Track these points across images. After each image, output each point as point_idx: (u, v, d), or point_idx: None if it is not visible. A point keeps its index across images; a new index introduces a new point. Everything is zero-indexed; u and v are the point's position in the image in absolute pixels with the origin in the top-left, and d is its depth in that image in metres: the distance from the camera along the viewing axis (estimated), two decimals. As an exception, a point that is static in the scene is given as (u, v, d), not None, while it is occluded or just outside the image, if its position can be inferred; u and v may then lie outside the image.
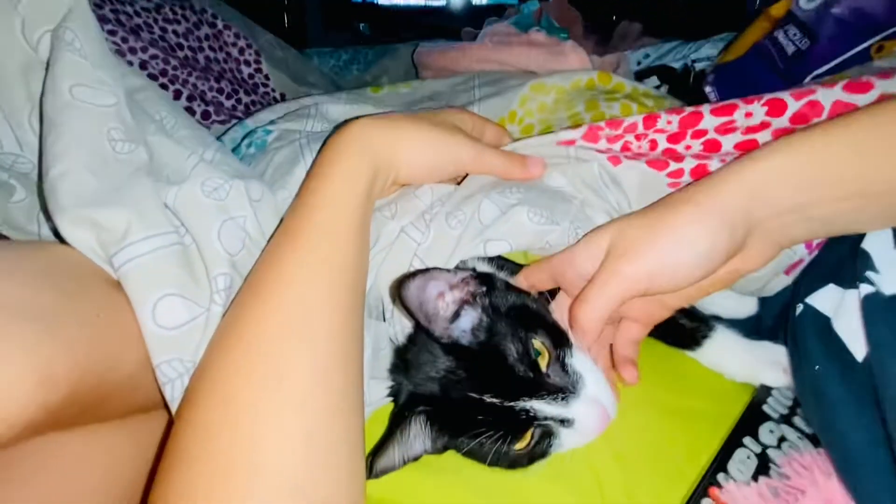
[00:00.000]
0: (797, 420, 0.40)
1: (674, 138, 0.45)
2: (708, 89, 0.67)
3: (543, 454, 0.37)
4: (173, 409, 0.31)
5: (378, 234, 0.43)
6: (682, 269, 0.32)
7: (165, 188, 0.35)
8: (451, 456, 0.38)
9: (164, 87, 0.80)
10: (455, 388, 0.36)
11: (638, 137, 0.45)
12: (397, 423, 0.36)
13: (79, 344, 0.29)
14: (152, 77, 0.79)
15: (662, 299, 0.39)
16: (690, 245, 0.32)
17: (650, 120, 0.45)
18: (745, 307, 0.50)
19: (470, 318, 0.38)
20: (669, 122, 0.44)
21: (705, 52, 0.81)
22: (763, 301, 0.49)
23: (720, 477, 0.34)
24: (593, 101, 0.64)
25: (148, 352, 0.31)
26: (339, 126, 0.42)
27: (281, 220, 0.37)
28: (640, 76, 0.88)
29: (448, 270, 0.38)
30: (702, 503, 0.32)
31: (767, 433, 0.38)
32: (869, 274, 0.31)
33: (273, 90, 1.00)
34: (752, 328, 0.48)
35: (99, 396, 0.31)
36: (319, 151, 0.41)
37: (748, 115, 0.42)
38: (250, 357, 0.29)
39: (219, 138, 0.66)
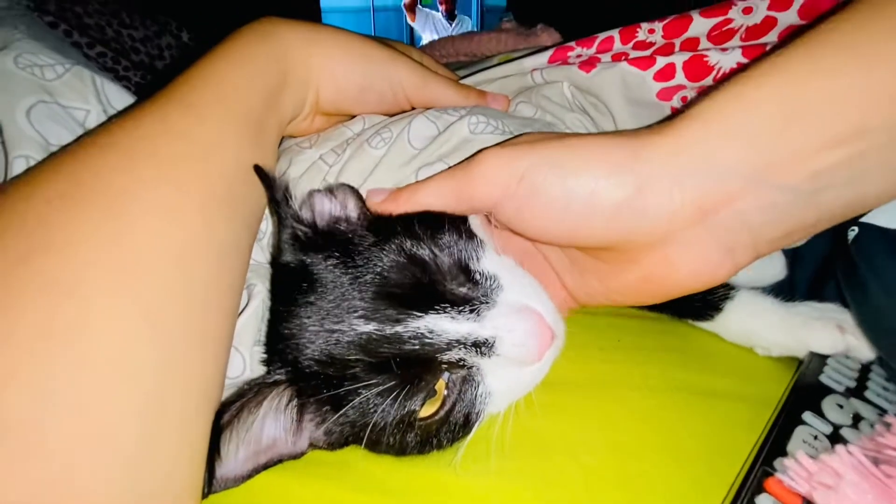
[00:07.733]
0: (871, 394, 0.28)
1: (661, 52, 0.37)
2: None
3: (467, 422, 0.25)
4: None
5: (290, 162, 0.34)
6: (540, 203, 0.24)
7: None
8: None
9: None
10: (320, 322, 0.24)
11: (615, 58, 0.37)
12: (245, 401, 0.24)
13: None
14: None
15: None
16: (572, 174, 0.23)
17: (628, 33, 0.37)
18: (771, 269, 0.38)
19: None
20: (652, 31, 0.36)
21: None
22: (794, 259, 0.38)
23: (778, 463, 0.21)
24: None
25: None
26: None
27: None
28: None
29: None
30: (757, 502, 0.20)
31: (835, 408, 0.26)
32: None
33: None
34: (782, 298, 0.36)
35: None
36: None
37: (747, 10, 0.34)
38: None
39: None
